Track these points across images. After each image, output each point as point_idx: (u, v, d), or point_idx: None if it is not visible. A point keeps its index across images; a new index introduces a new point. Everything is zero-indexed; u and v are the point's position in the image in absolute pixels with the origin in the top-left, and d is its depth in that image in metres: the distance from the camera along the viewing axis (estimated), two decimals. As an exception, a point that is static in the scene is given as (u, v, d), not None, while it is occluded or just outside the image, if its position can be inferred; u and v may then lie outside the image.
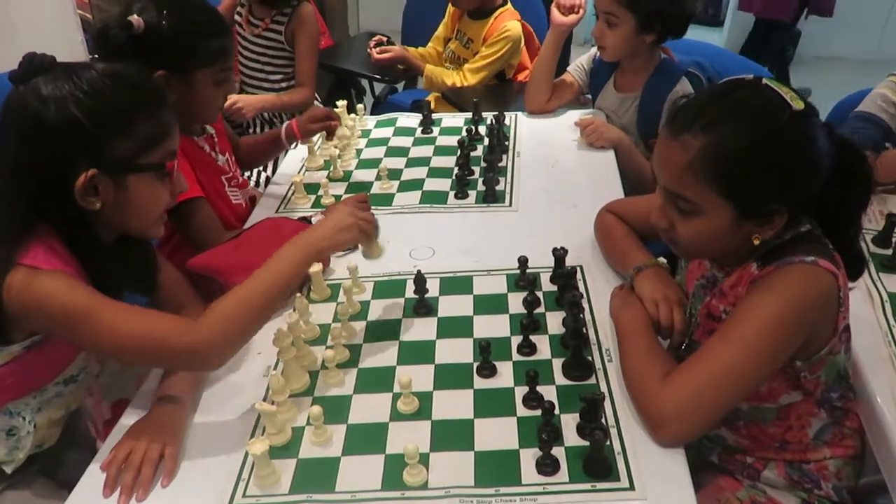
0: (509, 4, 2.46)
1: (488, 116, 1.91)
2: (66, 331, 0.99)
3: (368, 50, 2.65)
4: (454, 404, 1.06)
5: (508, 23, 2.37)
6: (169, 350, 1.00)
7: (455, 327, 1.22)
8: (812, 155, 0.96)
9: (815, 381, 1.05)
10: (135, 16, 1.34)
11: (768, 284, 0.98)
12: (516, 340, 1.16)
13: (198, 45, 1.40)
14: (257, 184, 2.20)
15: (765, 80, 0.98)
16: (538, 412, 0.99)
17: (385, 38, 2.69)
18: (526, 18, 2.53)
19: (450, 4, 2.55)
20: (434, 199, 1.64)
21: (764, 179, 0.95)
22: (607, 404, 1.03)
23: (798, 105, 0.95)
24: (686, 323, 1.13)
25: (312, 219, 1.43)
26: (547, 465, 0.94)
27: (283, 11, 2.34)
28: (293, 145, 1.81)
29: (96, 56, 2.80)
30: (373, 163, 1.80)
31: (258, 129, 2.49)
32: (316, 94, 2.58)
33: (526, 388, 1.05)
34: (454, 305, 1.28)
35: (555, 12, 1.93)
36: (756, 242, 1.00)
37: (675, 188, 1.00)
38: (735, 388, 0.97)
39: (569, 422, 1.00)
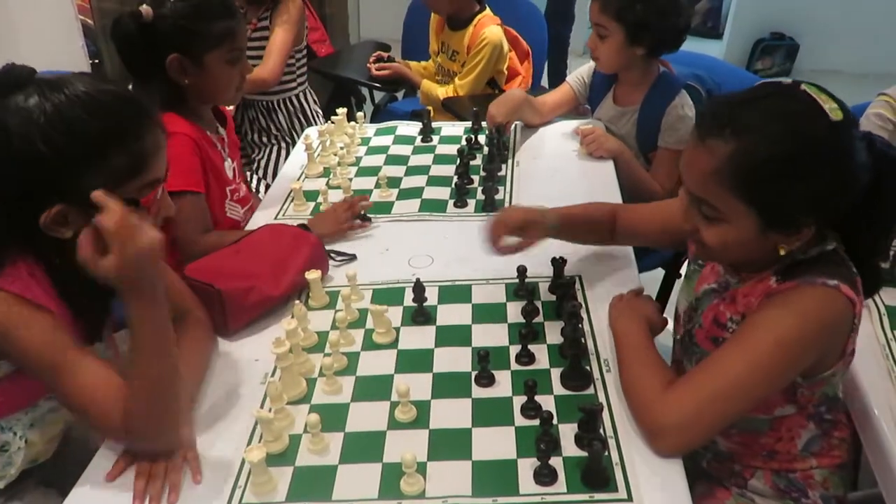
0: (488, 10, 2.45)
1: (488, 125, 1.92)
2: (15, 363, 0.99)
3: (368, 65, 2.67)
4: (452, 413, 1.06)
5: (486, 29, 2.37)
6: (98, 423, 0.98)
7: (453, 336, 1.22)
8: (848, 169, 0.92)
9: (811, 396, 1.05)
10: (144, 6, 1.40)
11: (785, 302, 0.96)
12: (515, 350, 1.16)
13: (205, 28, 1.46)
14: (257, 190, 2.20)
15: (803, 86, 0.94)
16: (536, 422, 0.99)
17: (385, 55, 2.70)
18: (509, 22, 2.53)
19: (432, 15, 2.56)
20: (433, 207, 1.64)
21: (794, 192, 0.91)
22: (606, 414, 1.03)
23: (836, 116, 0.90)
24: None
25: None
26: (545, 476, 0.94)
27: (268, 7, 2.35)
28: None
29: (97, 61, 2.79)
30: (372, 171, 1.80)
31: (255, 135, 2.49)
32: (315, 98, 2.58)
33: (524, 398, 1.05)
34: (453, 314, 1.28)
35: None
36: (782, 252, 0.97)
37: (700, 193, 0.97)
38: (737, 404, 0.96)
39: (567, 432, 1.00)
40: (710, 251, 1.03)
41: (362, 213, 1.57)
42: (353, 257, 1.47)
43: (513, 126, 1.99)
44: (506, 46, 2.42)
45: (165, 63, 1.44)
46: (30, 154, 0.91)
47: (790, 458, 1.10)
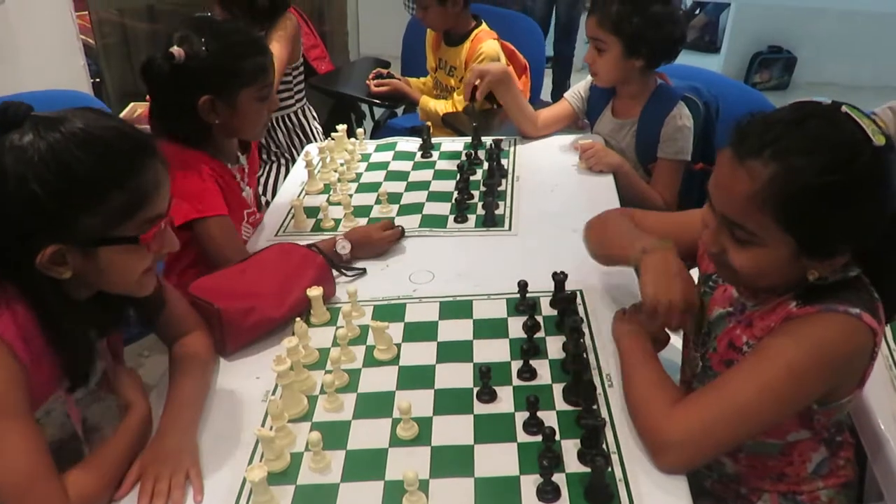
0: (484, 25, 2.46)
1: (487, 141, 1.92)
2: None
3: (367, 81, 2.69)
4: (454, 430, 1.05)
5: (483, 43, 2.39)
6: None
7: (455, 352, 1.22)
8: (888, 195, 0.90)
9: (826, 422, 1.04)
10: (175, 47, 1.39)
11: (804, 328, 0.94)
12: (516, 365, 1.16)
13: (238, 67, 1.45)
14: (258, 207, 2.20)
15: (845, 108, 0.90)
16: (539, 438, 0.99)
17: (385, 72, 2.72)
18: (506, 37, 2.55)
19: (427, 31, 2.58)
20: (433, 222, 1.64)
21: (835, 220, 0.88)
22: (608, 430, 1.02)
23: (880, 140, 0.87)
24: (693, 325, 1.07)
25: (338, 244, 1.44)
26: (548, 493, 0.93)
27: (264, 26, 2.37)
28: None
29: (98, 80, 2.78)
30: (372, 186, 1.81)
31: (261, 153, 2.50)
32: (314, 115, 2.59)
33: (526, 414, 1.04)
34: (454, 330, 1.27)
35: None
36: (811, 278, 0.94)
37: (735, 217, 0.93)
38: (745, 427, 0.95)
39: (569, 448, 1.00)
40: (738, 275, 0.99)
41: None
42: (363, 271, 1.46)
43: (511, 143, 2.00)
44: (503, 60, 2.43)
45: (196, 103, 1.43)
46: (24, 194, 0.89)
47: (798, 480, 1.09)
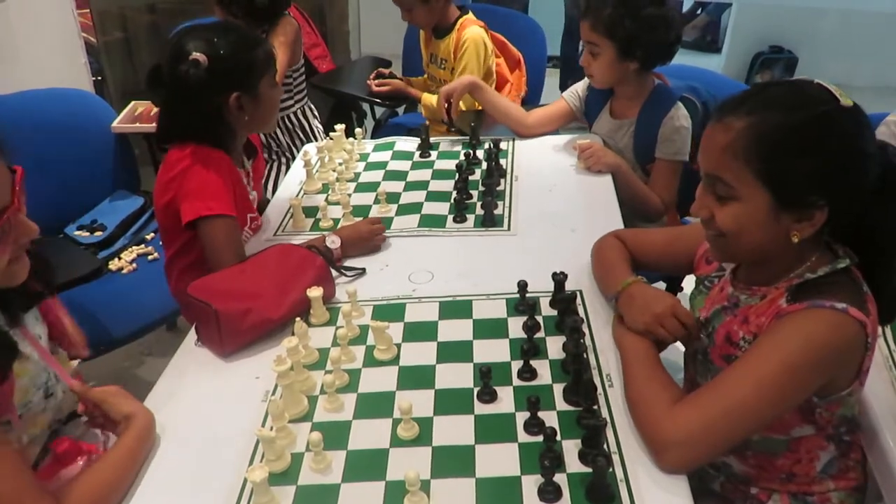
0: (470, 14, 2.47)
1: (486, 140, 1.92)
2: None
3: (368, 81, 2.69)
4: (455, 430, 1.05)
5: (466, 31, 2.40)
6: None
7: (455, 352, 1.22)
8: (855, 151, 0.95)
9: (830, 417, 1.04)
10: (196, 54, 1.40)
11: (793, 324, 0.97)
12: (516, 365, 1.16)
13: (254, 57, 1.48)
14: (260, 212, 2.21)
15: (817, 80, 0.99)
16: (539, 438, 0.99)
17: (386, 71, 2.72)
18: (506, 35, 2.54)
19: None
20: (432, 222, 1.64)
21: (802, 165, 0.94)
22: (609, 430, 1.02)
23: (846, 102, 0.95)
24: (697, 324, 1.12)
25: (327, 239, 1.44)
26: (549, 493, 0.93)
27: (264, 28, 2.37)
28: None
29: (100, 78, 2.74)
30: (371, 186, 1.81)
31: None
32: (316, 114, 2.59)
33: (527, 414, 1.04)
34: (454, 330, 1.27)
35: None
36: (795, 240, 0.97)
37: (715, 170, 0.99)
38: (745, 424, 0.96)
39: (570, 448, 1.00)
40: (725, 242, 1.02)
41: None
42: (362, 271, 1.46)
43: (509, 143, 2.00)
44: (489, 45, 2.44)
45: (218, 105, 1.44)
46: None
47: (808, 480, 1.09)
